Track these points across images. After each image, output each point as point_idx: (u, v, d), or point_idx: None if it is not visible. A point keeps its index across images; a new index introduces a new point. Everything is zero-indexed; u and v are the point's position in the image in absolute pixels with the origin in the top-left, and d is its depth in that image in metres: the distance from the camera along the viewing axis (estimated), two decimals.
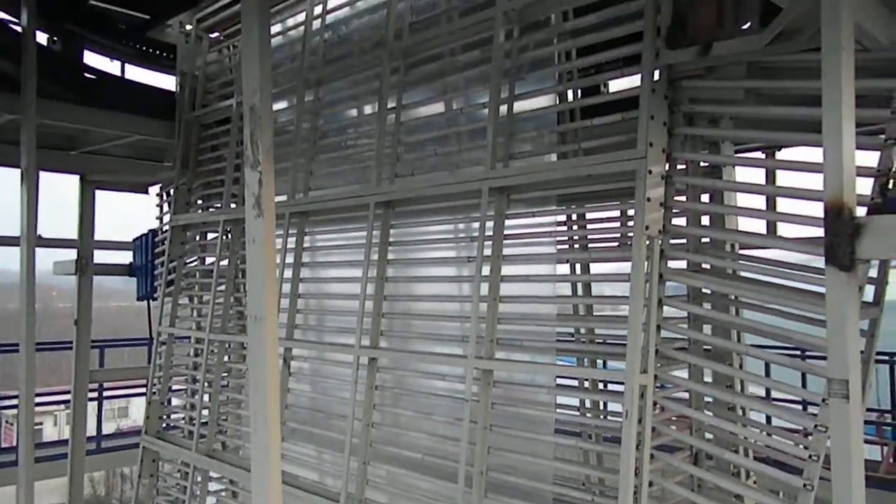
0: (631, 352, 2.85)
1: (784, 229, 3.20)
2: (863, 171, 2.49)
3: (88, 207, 6.37)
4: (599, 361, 3.98)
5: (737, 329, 3.07)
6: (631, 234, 3.09)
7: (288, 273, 4.67)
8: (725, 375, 3.09)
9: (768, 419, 3.26)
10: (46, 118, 5.17)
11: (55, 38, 5.45)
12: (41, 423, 20.33)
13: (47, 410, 20.47)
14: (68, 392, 6.34)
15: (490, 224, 3.51)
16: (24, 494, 4.70)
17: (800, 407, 5.46)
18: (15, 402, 5.73)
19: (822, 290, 2.38)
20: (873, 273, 2.76)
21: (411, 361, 4.00)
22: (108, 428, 10.03)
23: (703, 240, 3.13)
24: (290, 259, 4.69)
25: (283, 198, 4.69)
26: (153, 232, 6.35)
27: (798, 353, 4.98)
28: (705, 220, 3.25)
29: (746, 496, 2.92)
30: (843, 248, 2.05)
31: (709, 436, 3.17)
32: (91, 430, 8.32)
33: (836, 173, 2.08)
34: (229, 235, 5.32)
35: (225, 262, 5.28)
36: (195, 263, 5.78)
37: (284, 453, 4.45)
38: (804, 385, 5.66)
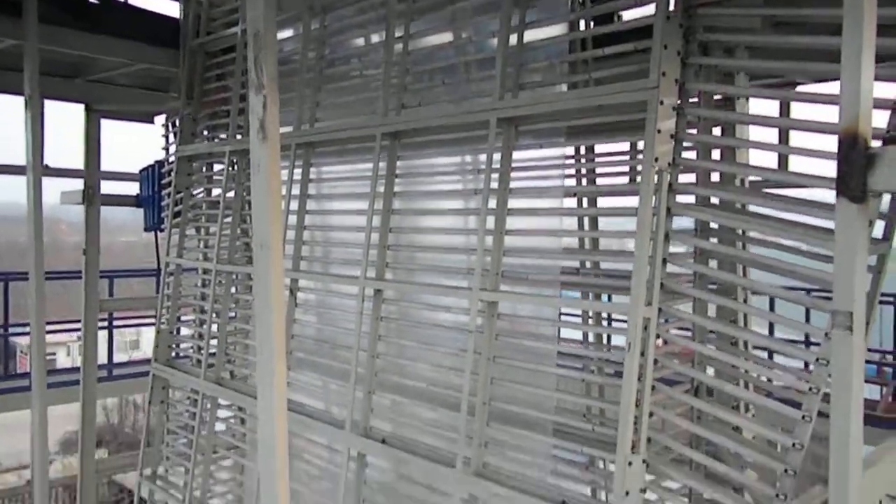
0: (636, 285, 2.85)
1: (797, 165, 3.15)
2: (878, 104, 2.44)
3: (94, 137, 6.34)
4: (604, 295, 3.98)
5: (743, 264, 3.07)
6: (639, 168, 3.05)
7: (294, 205, 4.67)
8: (730, 310, 3.10)
9: (770, 355, 3.28)
10: (49, 44, 5.09)
11: None
12: (54, 354, 20.75)
13: (60, 341, 20.87)
14: (79, 321, 6.43)
15: (497, 156, 3.48)
16: (37, 417, 4.82)
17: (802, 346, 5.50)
18: (28, 329, 5.80)
19: (831, 225, 2.36)
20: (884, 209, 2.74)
21: (416, 293, 4.02)
22: (120, 360, 10.26)
23: (713, 174, 3.09)
24: (295, 191, 4.67)
25: (288, 129, 4.65)
26: (159, 163, 6.33)
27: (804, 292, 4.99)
28: (716, 155, 3.21)
29: (745, 427, 2.96)
30: (855, 178, 2.02)
31: (711, 371, 3.20)
32: (103, 359, 8.50)
33: (852, 102, 2.03)
34: (235, 167, 5.30)
35: (231, 194, 5.27)
36: (202, 195, 5.77)
37: (291, 382, 4.53)
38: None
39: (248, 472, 4.98)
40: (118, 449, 17.89)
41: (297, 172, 4.69)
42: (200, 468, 5.20)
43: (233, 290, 5.31)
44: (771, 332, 5.24)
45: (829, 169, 2.32)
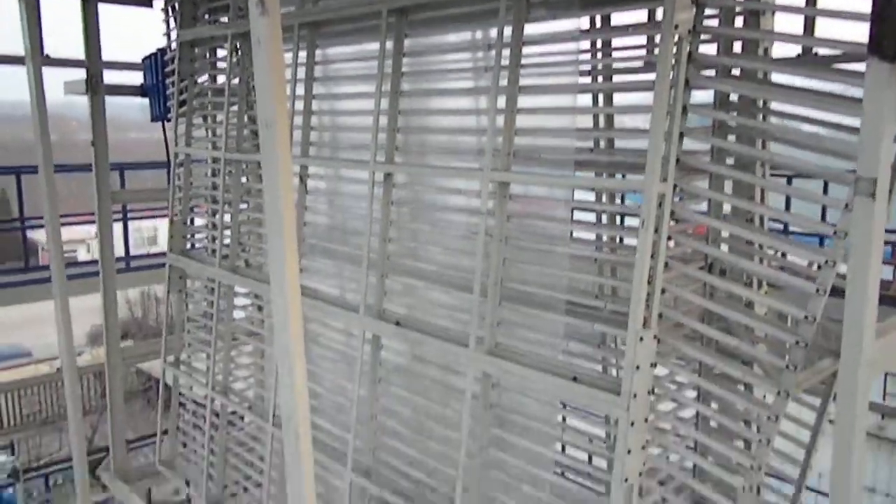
0: (651, 160, 2.77)
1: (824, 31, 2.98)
2: None
3: (93, 22, 6.10)
4: (618, 175, 3.91)
5: (763, 137, 2.97)
6: (658, 39, 2.90)
7: (300, 89, 4.55)
8: (747, 186, 3.03)
9: (785, 230, 3.24)
10: None
11: None
12: (74, 250, 21.13)
13: (79, 238, 21.18)
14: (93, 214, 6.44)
15: (508, 31, 3.32)
16: (59, 302, 4.93)
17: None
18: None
19: (859, 94, 2.25)
20: None
21: (427, 176, 3.97)
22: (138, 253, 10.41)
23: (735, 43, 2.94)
24: (301, 74, 4.54)
25: (290, 9, 4.47)
26: (162, 51, 6.15)
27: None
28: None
29: (757, 302, 2.96)
30: (889, 37, 1.90)
31: (725, 249, 3.16)
32: (121, 252, 8.63)
33: None
34: (239, 51, 5.14)
35: (236, 81, 5.14)
36: (206, 82, 5.63)
37: (305, 268, 4.57)
38: (824, 216, 5.60)
39: (268, 356, 5.12)
40: (144, 340, 18.49)
41: (302, 55, 4.54)
42: (221, 354, 5.34)
43: (243, 179, 5.27)
44: (788, 207, 5.17)
45: (861, 33, 2.20)
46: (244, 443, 5.30)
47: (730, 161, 3.13)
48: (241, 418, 5.44)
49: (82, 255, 19.33)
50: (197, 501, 5.64)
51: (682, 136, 2.82)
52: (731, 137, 3.01)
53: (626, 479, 2.85)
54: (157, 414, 6.08)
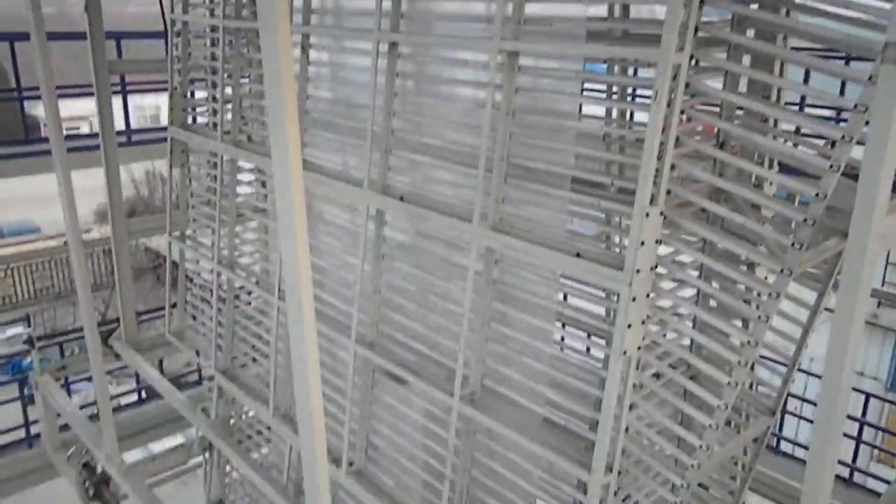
0: (668, 28, 2.62)
1: None
2: None
3: None
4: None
5: (786, 6, 2.81)
6: None
7: None
8: (765, 57, 2.90)
9: (801, 107, 3.13)
10: None
11: None
12: (77, 127, 20.90)
13: (82, 116, 20.90)
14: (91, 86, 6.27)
15: None
16: (61, 175, 4.89)
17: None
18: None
19: None
20: None
21: (433, 46, 3.81)
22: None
23: None
24: None
25: None
26: None
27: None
28: None
29: (767, 178, 2.90)
30: None
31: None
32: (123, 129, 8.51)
33: None
34: None
35: None
36: None
37: (308, 143, 4.50)
38: (843, 92, 5.43)
39: (273, 231, 5.13)
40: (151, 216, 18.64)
41: None
42: (226, 229, 5.35)
43: (244, 50, 5.10)
44: (806, 80, 5.01)
45: None
46: (251, 316, 5.40)
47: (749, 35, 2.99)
48: (248, 293, 5.52)
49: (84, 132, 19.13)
50: (207, 371, 5.84)
51: (702, 2, 2.66)
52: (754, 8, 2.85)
53: (625, 352, 2.90)
54: (166, 290, 6.18)
